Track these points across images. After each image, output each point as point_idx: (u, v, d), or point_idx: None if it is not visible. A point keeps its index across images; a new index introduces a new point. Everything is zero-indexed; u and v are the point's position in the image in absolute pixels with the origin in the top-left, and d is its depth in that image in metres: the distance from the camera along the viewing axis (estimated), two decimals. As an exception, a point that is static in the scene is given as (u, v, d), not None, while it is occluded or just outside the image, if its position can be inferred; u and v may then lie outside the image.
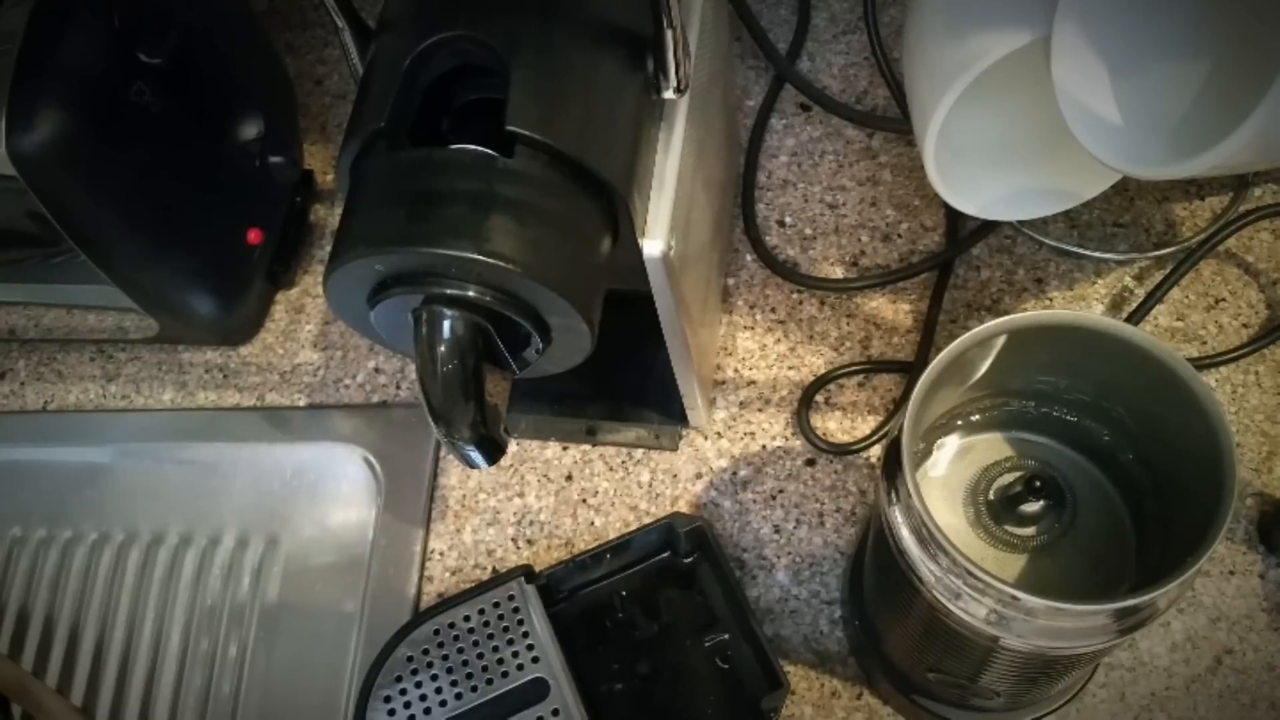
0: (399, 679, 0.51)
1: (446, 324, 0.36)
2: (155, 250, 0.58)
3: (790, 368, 0.61)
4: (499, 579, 0.53)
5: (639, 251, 0.41)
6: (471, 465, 0.41)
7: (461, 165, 0.36)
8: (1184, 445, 0.37)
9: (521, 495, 0.59)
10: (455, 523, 0.59)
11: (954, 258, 0.62)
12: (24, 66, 0.49)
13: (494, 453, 0.40)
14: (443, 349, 0.36)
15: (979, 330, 0.38)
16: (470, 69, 0.39)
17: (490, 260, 0.35)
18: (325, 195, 0.69)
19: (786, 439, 0.59)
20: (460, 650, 0.51)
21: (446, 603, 0.53)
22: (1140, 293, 0.60)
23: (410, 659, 0.51)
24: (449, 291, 0.36)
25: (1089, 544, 0.42)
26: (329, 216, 0.69)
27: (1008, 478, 0.43)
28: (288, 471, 0.64)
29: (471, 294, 0.36)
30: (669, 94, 0.41)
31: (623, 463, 0.59)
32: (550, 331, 0.39)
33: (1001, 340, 0.39)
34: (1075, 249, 0.61)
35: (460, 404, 0.37)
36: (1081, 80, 0.45)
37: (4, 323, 0.65)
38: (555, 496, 0.59)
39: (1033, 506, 0.42)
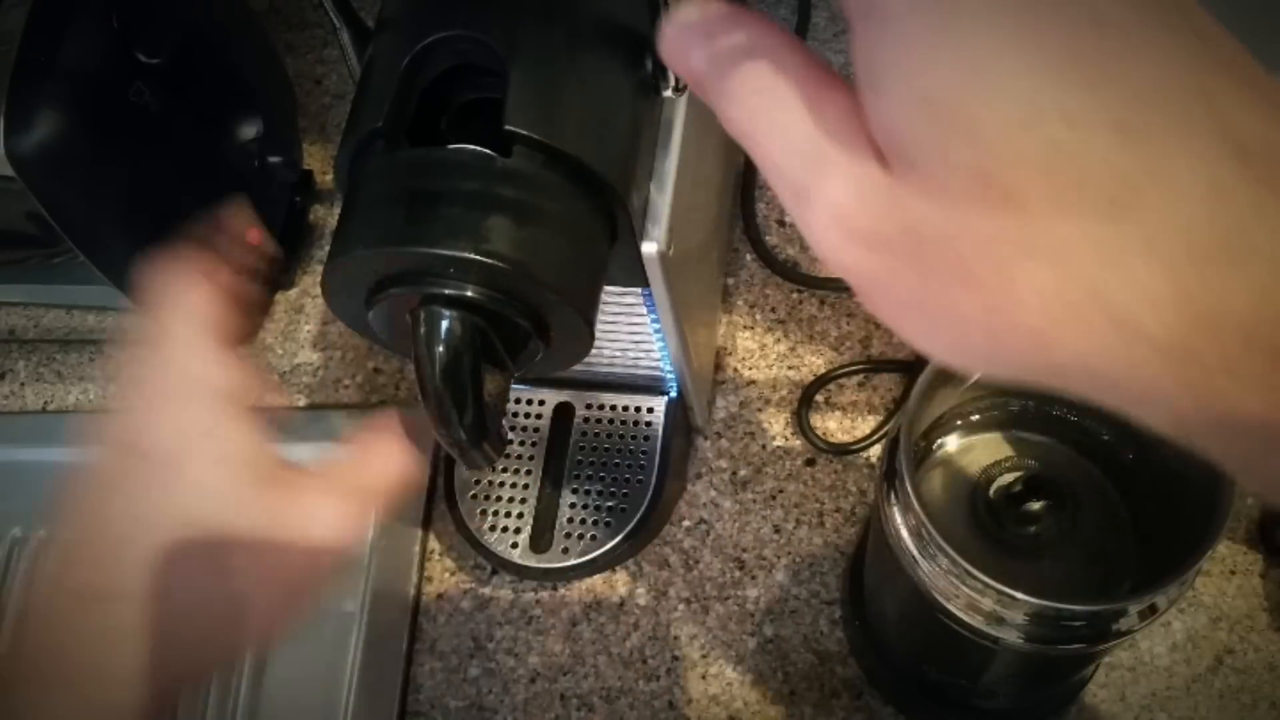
0: None
1: (445, 324, 0.36)
2: (154, 250, 0.58)
3: (790, 367, 0.60)
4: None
5: (638, 251, 0.41)
6: (472, 465, 0.41)
7: (459, 165, 0.36)
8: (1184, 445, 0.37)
9: (521, 495, 0.59)
10: (455, 523, 0.59)
11: (954, 257, 0.62)
12: (23, 67, 0.49)
13: (493, 452, 0.40)
14: (441, 350, 0.36)
15: (979, 330, 0.38)
16: (468, 69, 0.39)
17: (488, 260, 0.35)
18: (324, 195, 0.69)
19: (786, 439, 0.59)
20: None
21: None
22: (1141, 292, 0.60)
23: None
24: (447, 292, 0.36)
25: (1089, 544, 0.42)
26: (328, 216, 0.69)
27: (1008, 478, 0.43)
28: (287, 472, 0.64)
29: (470, 294, 0.36)
30: (668, 93, 0.41)
31: (622, 463, 0.59)
32: (549, 331, 0.39)
33: (1001, 340, 0.39)
34: (1076, 248, 0.61)
35: (459, 405, 0.37)
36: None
37: (4, 323, 0.65)
38: (555, 496, 0.59)
39: (1033, 506, 0.42)
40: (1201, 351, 0.16)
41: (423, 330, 0.37)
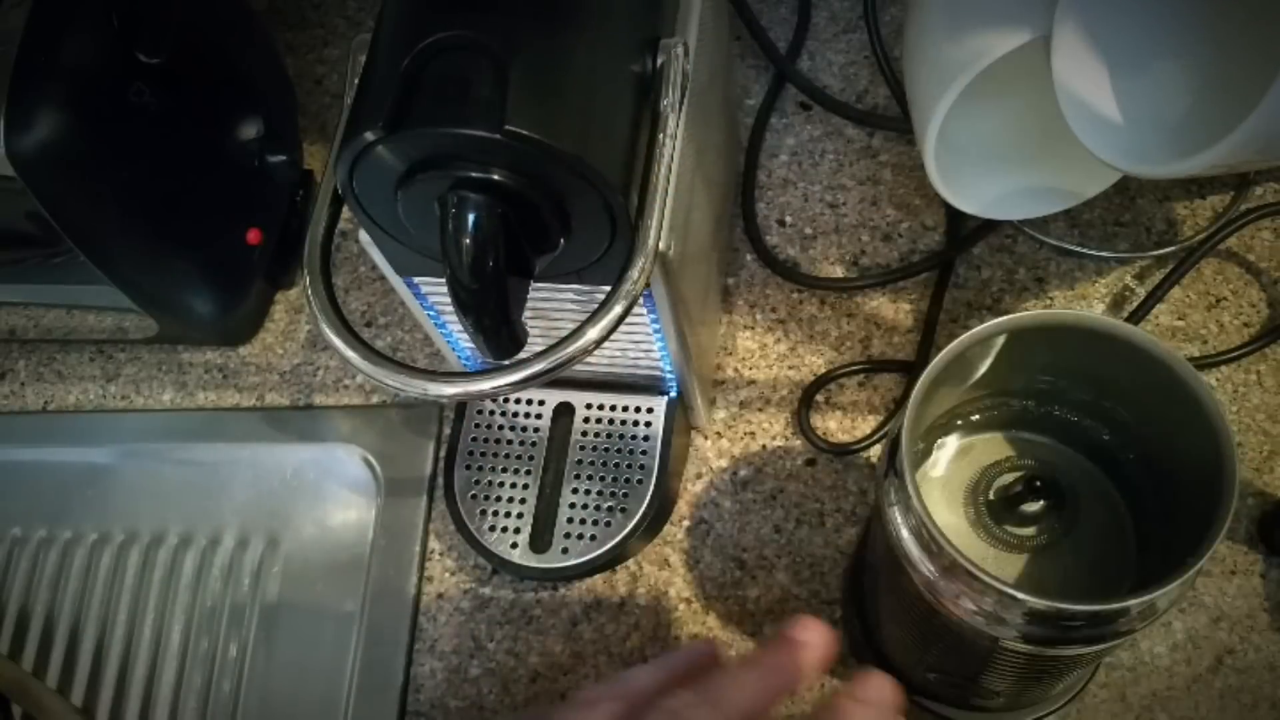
0: None
1: (472, 209, 0.37)
2: (154, 250, 0.58)
3: (790, 367, 0.60)
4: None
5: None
6: (493, 354, 0.42)
7: (477, 61, 0.37)
8: (1184, 445, 0.37)
9: (521, 495, 0.59)
10: (455, 523, 0.59)
11: (954, 257, 0.62)
12: (23, 67, 0.49)
13: (514, 344, 0.42)
14: (468, 238, 0.37)
15: (979, 330, 0.38)
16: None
17: (514, 143, 0.36)
18: (325, 195, 0.69)
19: (786, 439, 0.59)
20: None
21: None
22: (1141, 292, 0.60)
23: None
24: (474, 175, 0.37)
25: (1089, 544, 0.42)
26: (329, 216, 0.69)
27: (1008, 478, 0.43)
28: (288, 471, 0.64)
29: (496, 177, 0.37)
30: (667, 96, 0.41)
31: (623, 462, 0.59)
32: (570, 221, 0.39)
33: (1001, 340, 0.39)
34: (1076, 248, 0.61)
35: (484, 287, 0.38)
36: (1082, 78, 0.45)
37: (4, 323, 0.65)
38: (555, 496, 0.59)
39: (1033, 506, 0.42)
40: None
41: (452, 214, 0.37)
